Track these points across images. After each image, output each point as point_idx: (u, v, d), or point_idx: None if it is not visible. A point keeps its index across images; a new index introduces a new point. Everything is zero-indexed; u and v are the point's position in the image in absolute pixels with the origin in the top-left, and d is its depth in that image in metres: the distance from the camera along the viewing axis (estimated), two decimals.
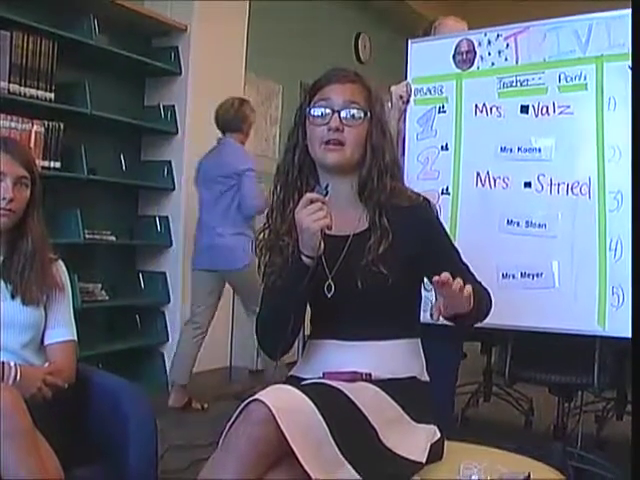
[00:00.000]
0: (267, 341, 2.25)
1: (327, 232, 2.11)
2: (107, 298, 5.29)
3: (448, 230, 2.68)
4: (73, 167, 4.95)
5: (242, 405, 1.84)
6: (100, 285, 5.25)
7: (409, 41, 3.75)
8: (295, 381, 2.16)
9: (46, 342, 2.52)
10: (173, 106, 5.73)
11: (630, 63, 2.93)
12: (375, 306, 2.18)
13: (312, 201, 2.04)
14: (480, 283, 2.28)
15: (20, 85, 4.59)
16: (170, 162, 5.72)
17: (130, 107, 5.65)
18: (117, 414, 2.43)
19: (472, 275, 2.28)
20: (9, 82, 4.52)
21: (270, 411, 1.78)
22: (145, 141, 5.90)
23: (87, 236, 5.01)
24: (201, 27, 5.80)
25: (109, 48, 5.16)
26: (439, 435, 2.16)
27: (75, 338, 2.58)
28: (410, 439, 2.03)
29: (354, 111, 2.19)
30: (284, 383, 2.16)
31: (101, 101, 5.11)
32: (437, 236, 2.28)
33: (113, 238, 5.35)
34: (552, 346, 3.54)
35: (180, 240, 5.73)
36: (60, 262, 2.62)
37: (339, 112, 2.18)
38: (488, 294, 2.30)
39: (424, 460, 2.03)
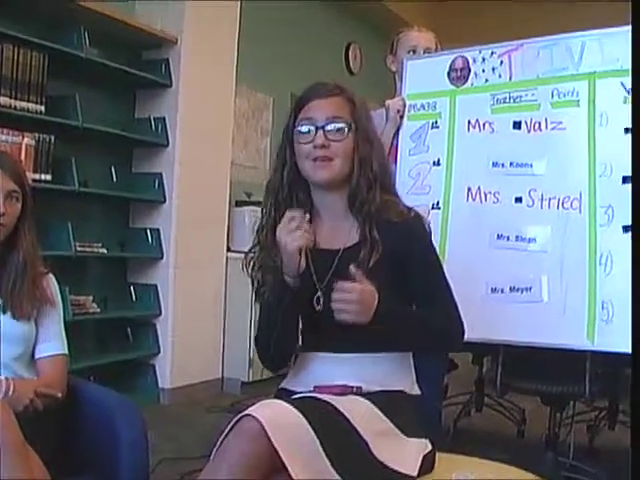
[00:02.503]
0: (264, 358, 2.29)
1: (319, 246, 2.19)
2: (98, 310, 5.27)
3: (438, 244, 2.68)
4: (64, 179, 4.93)
5: (233, 420, 1.84)
6: (91, 297, 5.23)
7: (404, 59, 3.79)
8: (285, 394, 2.18)
9: (37, 356, 2.50)
10: (164, 118, 5.71)
11: (630, 80, 2.95)
12: None
13: (293, 219, 2.08)
14: (451, 313, 2.24)
15: (10, 98, 4.58)
16: (161, 174, 5.70)
17: (121, 119, 5.64)
18: (108, 427, 2.41)
19: (446, 301, 2.25)
20: None
21: (261, 426, 1.78)
22: (136, 153, 5.89)
23: (78, 248, 5.00)
24: (192, 39, 5.79)
25: (100, 60, 5.14)
26: (430, 447, 2.16)
27: (66, 352, 2.56)
28: (401, 452, 2.03)
29: (338, 125, 2.19)
30: (274, 396, 2.19)
31: (92, 113, 5.10)
32: (420, 253, 2.24)
33: (104, 250, 5.34)
34: (543, 356, 3.55)
35: (171, 252, 5.71)
36: (51, 275, 2.60)
37: (323, 128, 2.18)
38: (453, 327, 2.26)
39: (415, 474, 2.03)
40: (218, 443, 1.85)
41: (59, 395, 2.35)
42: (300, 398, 2.00)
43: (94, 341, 5.47)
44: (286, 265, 2.11)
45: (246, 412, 1.83)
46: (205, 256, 6.07)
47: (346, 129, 2.19)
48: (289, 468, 1.76)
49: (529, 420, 5.12)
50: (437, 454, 2.21)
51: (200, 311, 6.03)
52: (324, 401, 1.96)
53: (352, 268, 2.02)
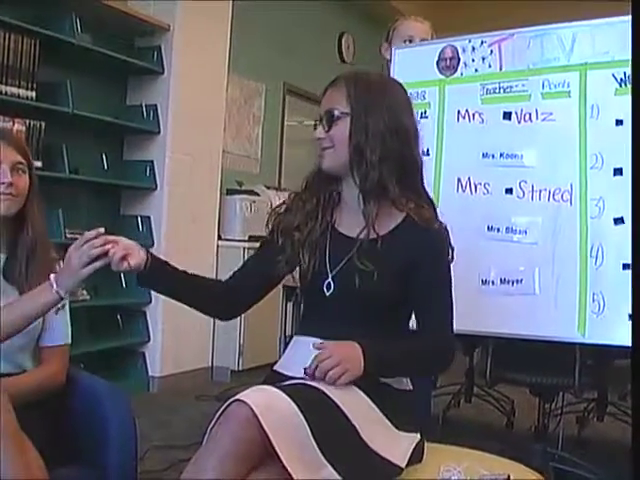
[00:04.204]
0: None
1: (339, 230, 2.25)
2: (89, 298, 5.26)
3: None
4: (55, 166, 4.92)
5: (224, 406, 1.84)
6: (82, 285, 5.21)
7: (393, 48, 3.77)
8: (277, 376, 2.18)
9: (42, 344, 2.49)
10: (155, 105, 5.70)
11: (630, 70, 2.95)
12: (369, 310, 2.17)
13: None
14: (443, 340, 2.22)
15: (1, 83, 4.56)
16: (152, 162, 5.69)
17: (112, 106, 5.62)
18: (97, 415, 2.41)
19: (442, 325, 2.22)
20: None
21: (252, 411, 1.77)
22: (127, 140, 5.88)
23: (68, 235, 4.98)
24: (184, 26, 5.77)
25: (91, 47, 5.13)
26: (419, 437, 2.17)
27: (69, 341, 2.56)
28: (391, 442, 2.03)
29: (330, 115, 2.19)
30: (266, 377, 2.22)
31: (83, 100, 5.08)
32: (431, 267, 2.21)
33: None
34: (533, 347, 3.55)
35: (162, 240, 5.70)
36: (61, 262, 2.58)
37: (322, 120, 2.21)
38: (442, 356, 2.24)
39: (404, 465, 2.02)
40: (209, 429, 1.84)
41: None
42: (290, 385, 1.99)
43: (84, 328, 5.45)
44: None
45: (236, 397, 1.82)
46: (196, 244, 6.05)
47: (335, 118, 2.19)
48: (280, 453, 1.76)
49: (518, 411, 5.14)
50: (426, 444, 2.21)
51: None
52: (315, 387, 1.96)
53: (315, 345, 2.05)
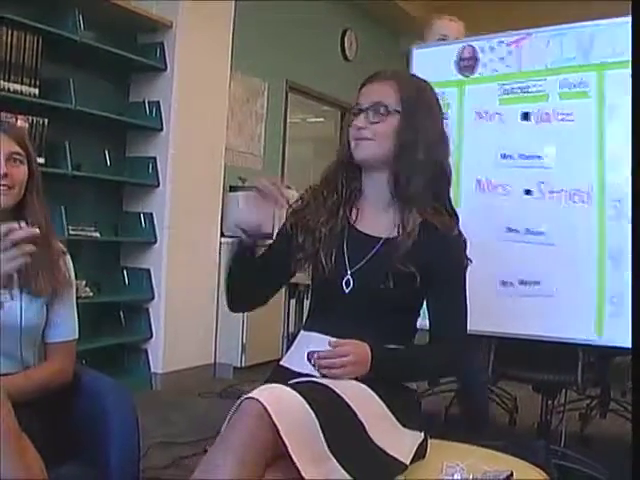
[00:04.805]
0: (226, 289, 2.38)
1: (359, 228, 2.25)
2: (91, 294, 5.26)
3: None
4: (57, 163, 4.92)
5: (235, 405, 1.84)
6: (84, 281, 5.22)
7: (412, 48, 3.77)
8: (283, 371, 2.19)
9: (47, 340, 2.48)
10: (158, 102, 5.70)
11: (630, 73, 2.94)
12: (386, 309, 2.19)
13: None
14: (455, 348, 2.26)
15: (4, 80, 4.56)
16: (155, 158, 5.70)
17: (115, 103, 5.63)
18: (100, 411, 2.40)
19: (456, 333, 2.25)
20: None
21: (264, 408, 1.78)
22: (130, 137, 5.88)
23: (71, 232, 4.99)
24: (187, 23, 5.77)
25: (94, 44, 5.13)
26: (423, 436, 2.18)
27: (77, 335, 2.56)
28: (397, 439, 2.04)
29: (378, 108, 2.19)
30: (272, 371, 2.24)
31: (86, 97, 5.08)
32: (447, 273, 2.23)
33: (97, 234, 5.33)
34: (536, 344, 3.55)
35: (165, 237, 5.71)
36: (68, 257, 2.56)
37: (366, 111, 2.20)
38: (452, 364, 2.31)
39: (408, 462, 2.03)
40: (223, 428, 1.83)
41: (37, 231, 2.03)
42: (300, 382, 2.00)
43: (87, 325, 5.36)
44: None
45: (247, 396, 1.82)
46: (199, 241, 6.06)
47: (385, 112, 2.19)
48: (289, 449, 1.76)
49: (521, 408, 5.13)
50: (429, 441, 2.22)
51: (193, 296, 6.02)
52: (324, 385, 1.97)
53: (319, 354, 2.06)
